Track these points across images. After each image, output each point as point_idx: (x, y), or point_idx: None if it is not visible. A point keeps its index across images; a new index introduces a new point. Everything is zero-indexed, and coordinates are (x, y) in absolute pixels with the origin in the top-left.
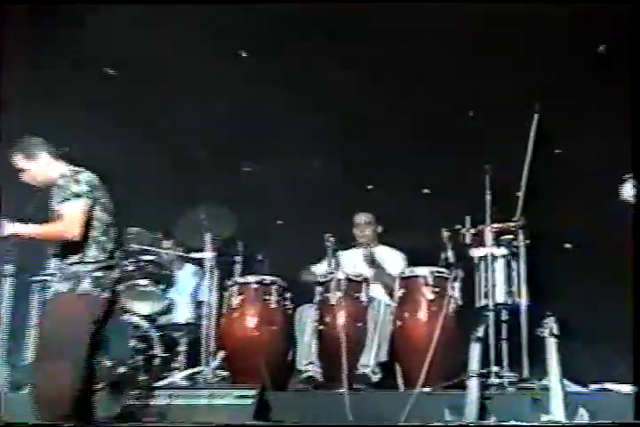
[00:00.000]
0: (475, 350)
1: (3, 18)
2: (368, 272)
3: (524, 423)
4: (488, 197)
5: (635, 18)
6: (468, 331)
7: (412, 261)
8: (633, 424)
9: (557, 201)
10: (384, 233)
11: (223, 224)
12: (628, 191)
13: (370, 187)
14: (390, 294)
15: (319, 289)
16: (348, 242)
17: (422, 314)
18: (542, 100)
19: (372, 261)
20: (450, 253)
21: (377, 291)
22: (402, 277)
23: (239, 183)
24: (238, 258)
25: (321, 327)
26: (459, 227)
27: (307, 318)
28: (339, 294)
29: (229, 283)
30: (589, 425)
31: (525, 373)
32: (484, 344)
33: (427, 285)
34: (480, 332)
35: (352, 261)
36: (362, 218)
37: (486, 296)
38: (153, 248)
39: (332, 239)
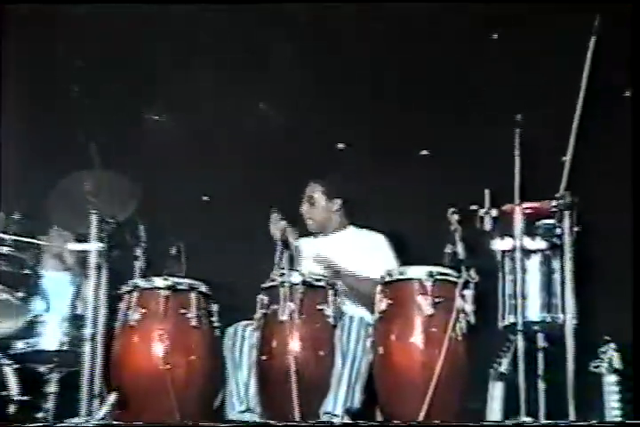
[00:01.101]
0: (496, 392)
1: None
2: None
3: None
4: (518, 163)
5: (635, 18)
6: (486, 363)
7: (403, 258)
8: (633, 424)
9: (619, 171)
10: (358, 215)
11: (118, 200)
12: None
13: (341, 146)
14: (369, 306)
15: (262, 299)
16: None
17: (417, 337)
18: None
19: (328, 267)
20: (459, 246)
21: (350, 302)
22: (386, 282)
23: (144, 138)
24: (140, 251)
25: (264, 358)
26: (474, 207)
27: (242, 342)
28: (291, 306)
29: (126, 289)
30: (590, 425)
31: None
32: (509, 383)
33: (423, 293)
34: (504, 365)
35: (315, 253)
36: (311, 191)
37: (514, 311)
38: (8, 235)
39: (282, 222)
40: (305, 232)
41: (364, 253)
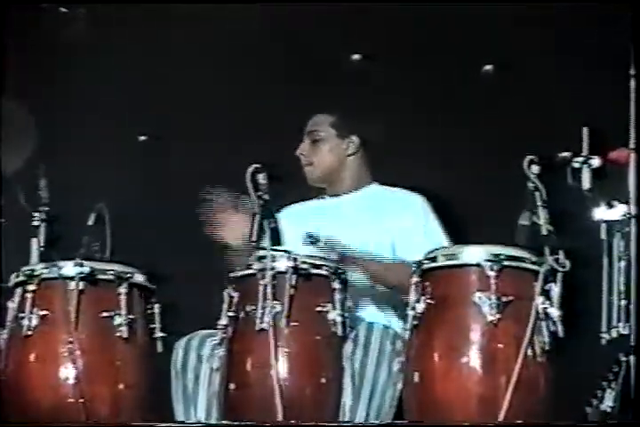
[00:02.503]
0: None
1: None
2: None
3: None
4: (633, 85)
5: (635, 18)
6: (580, 398)
7: (452, 234)
8: (633, 424)
9: None
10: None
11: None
12: None
13: (357, 57)
14: (400, 308)
15: (230, 296)
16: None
17: (472, 357)
18: None
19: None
20: (541, 216)
21: (365, 302)
22: (425, 270)
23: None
24: (39, 220)
25: (232, 387)
26: (564, 154)
27: (198, 364)
28: (276, 306)
29: (16, 280)
30: (589, 425)
31: None
32: (616, 425)
33: (483, 288)
34: (607, 400)
35: (314, 227)
36: (312, 124)
37: (626, 318)
38: None
39: (262, 180)
40: (301, 190)
41: (395, 224)
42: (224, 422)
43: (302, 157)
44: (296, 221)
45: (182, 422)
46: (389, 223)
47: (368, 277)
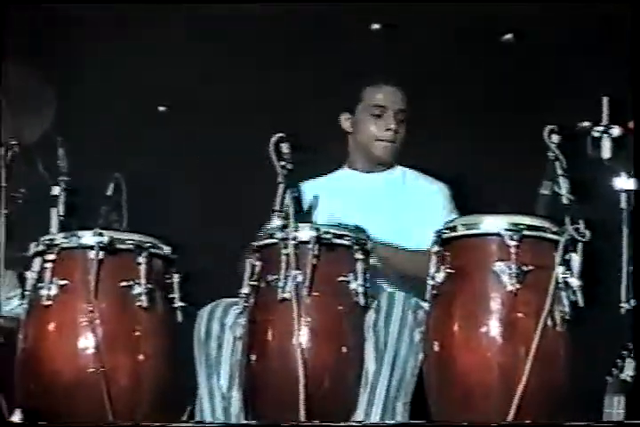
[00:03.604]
0: (615, 410)
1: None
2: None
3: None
4: None
5: (635, 18)
6: (601, 367)
7: (470, 204)
8: (633, 424)
9: None
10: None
11: (26, 110)
12: None
13: (376, 26)
14: (417, 278)
15: (253, 265)
16: (331, 157)
17: (492, 326)
18: None
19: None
20: (562, 185)
21: (387, 271)
22: (445, 239)
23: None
24: (59, 190)
25: (254, 357)
26: (584, 124)
27: (221, 333)
28: (299, 276)
29: (36, 249)
30: (590, 425)
31: None
32: (637, 393)
33: (504, 257)
34: (628, 370)
35: (336, 202)
36: (399, 101)
37: None
38: None
39: (286, 149)
40: (324, 162)
41: (415, 212)
42: (240, 422)
43: (390, 134)
44: (324, 191)
45: (197, 422)
46: (411, 208)
47: (388, 266)
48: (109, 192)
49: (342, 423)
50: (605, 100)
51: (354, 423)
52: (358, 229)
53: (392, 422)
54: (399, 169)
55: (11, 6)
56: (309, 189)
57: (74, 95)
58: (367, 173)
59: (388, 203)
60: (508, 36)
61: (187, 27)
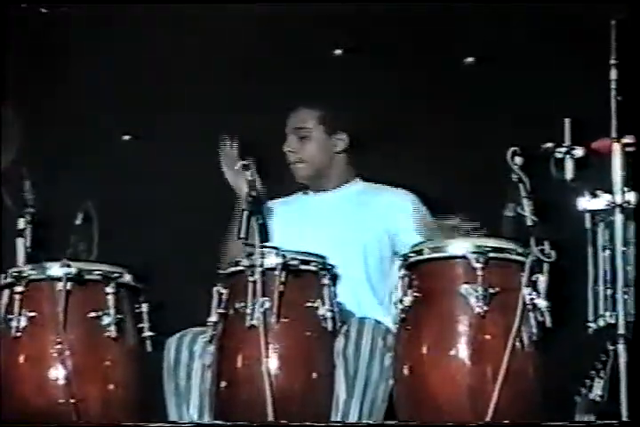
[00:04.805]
0: None
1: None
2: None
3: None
4: (614, 74)
5: (634, 18)
6: (569, 387)
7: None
8: (633, 424)
9: None
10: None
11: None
12: None
13: (338, 51)
14: (385, 302)
15: (220, 293)
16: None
17: (461, 349)
18: None
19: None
20: (526, 207)
21: (356, 295)
22: (411, 263)
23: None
24: (25, 221)
25: (224, 384)
26: (547, 145)
27: (190, 362)
28: (266, 303)
29: (4, 280)
30: (590, 425)
31: None
32: (605, 417)
33: (470, 280)
34: (596, 389)
35: (298, 226)
36: (298, 120)
37: (612, 307)
38: None
39: (248, 171)
40: (285, 187)
41: (382, 222)
42: (216, 422)
43: (290, 154)
44: (281, 217)
45: (174, 422)
46: (374, 221)
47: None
48: (79, 221)
49: (322, 424)
50: (567, 121)
51: (336, 424)
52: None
53: (377, 422)
54: (357, 183)
55: None
56: (270, 211)
57: (39, 124)
58: (321, 191)
59: (345, 218)
60: (470, 59)
61: (148, 56)
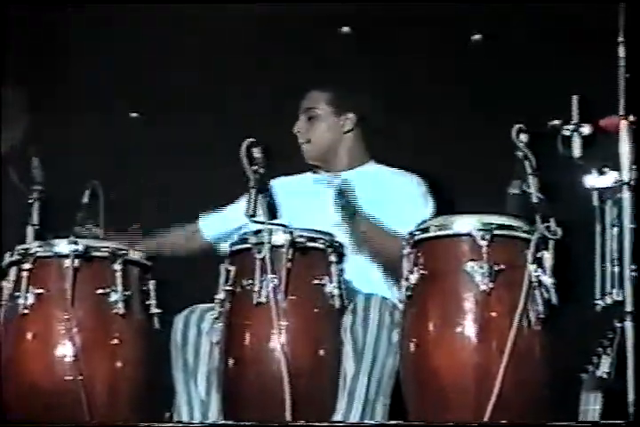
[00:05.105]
0: (591, 407)
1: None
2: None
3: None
4: (622, 51)
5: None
6: (576, 365)
7: (442, 205)
8: (609, 424)
9: None
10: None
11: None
12: None
13: (345, 29)
14: (393, 278)
15: (227, 270)
16: (296, 159)
17: (466, 326)
18: None
19: (345, 204)
20: (531, 184)
21: (362, 272)
22: (417, 241)
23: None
24: (33, 198)
25: (231, 362)
26: (554, 122)
27: (197, 338)
28: (274, 280)
29: (11, 259)
30: (589, 425)
31: None
32: (611, 394)
33: (475, 257)
34: (603, 367)
35: (306, 203)
36: (308, 101)
37: (619, 284)
38: None
39: (257, 154)
40: (296, 166)
41: (391, 205)
42: (224, 422)
43: (299, 135)
44: (288, 194)
45: (180, 422)
46: (385, 203)
47: (366, 240)
48: (85, 199)
49: (325, 423)
50: (575, 98)
51: (337, 423)
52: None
53: (374, 422)
54: (370, 166)
55: None
56: (277, 188)
57: (46, 103)
58: (335, 171)
59: (358, 199)
60: (477, 36)
61: (159, 34)
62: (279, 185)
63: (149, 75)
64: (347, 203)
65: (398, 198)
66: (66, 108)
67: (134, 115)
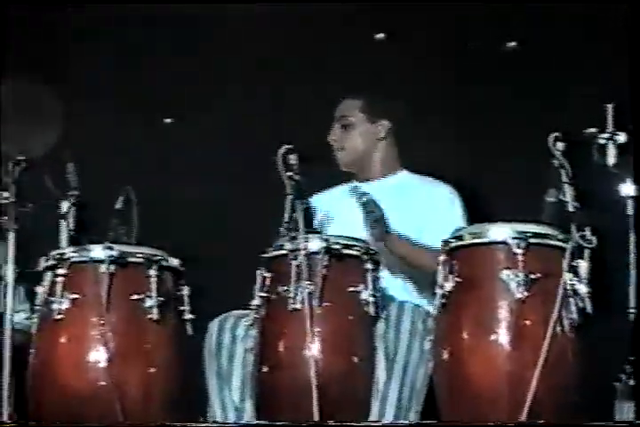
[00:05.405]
0: (625, 414)
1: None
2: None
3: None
4: None
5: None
6: (610, 373)
7: (477, 214)
8: (633, 424)
9: None
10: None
11: (34, 125)
12: None
13: (380, 36)
14: (427, 287)
15: (263, 276)
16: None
17: (501, 334)
18: None
19: (375, 217)
20: (567, 193)
21: (397, 281)
22: (452, 248)
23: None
24: (68, 205)
25: (265, 368)
26: (590, 130)
27: (232, 345)
28: (309, 287)
29: (46, 264)
30: (589, 425)
31: None
32: None
33: (511, 265)
34: (637, 376)
35: (342, 214)
36: (342, 109)
37: None
38: None
39: (293, 161)
40: (331, 173)
41: (423, 215)
42: (257, 422)
43: (333, 143)
44: (327, 205)
45: (216, 422)
46: (417, 213)
47: (399, 256)
48: (119, 205)
49: (354, 423)
50: (610, 106)
51: (370, 423)
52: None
53: (407, 422)
54: (403, 174)
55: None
56: (315, 202)
57: (81, 108)
58: (366, 181)
59: (389, 208)
60: (513, 43)
61: (193, 38)
62: (317, 198)
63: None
64: (374, 219)
65: (429, 208)
66: (100, 108)
67: (168, 120)
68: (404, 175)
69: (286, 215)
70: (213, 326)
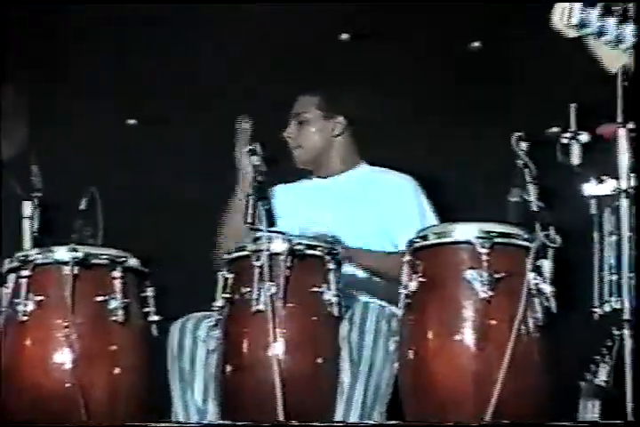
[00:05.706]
0: (590, 412)
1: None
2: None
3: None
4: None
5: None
6: (574, 373)
7: (442, 213)
8: (609, 424)
9: None
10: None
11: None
12: None
13: (345, 36)
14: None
15: (225, 278)
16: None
17: (466, 334)
18: None
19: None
20: (531, 192)
21: (361, 281)
22: (416, 248)
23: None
24: (32, 206)
25: (229, 369)
26: (553, 130)
27: (194, 346)
28: (272, 288)
29: (10, 265)
30: (590, 425)
31: None
32: (610, 402)
33: (475, 265)
34: (602, 375)
35: (304, 208)
36: (298, 106)
37: (618, 293)
38: None
39: (254, 156)
40: (289, 172)
41: (386, 207)
42: (223, 422)
43: (289, 140)
44: (286, 202)
45: (179, 422)
46: (380, 206)
47: (366, 269)
48: (83, 206)
49: (318, 423)
50: (573, 106)
51: (334, 423)
52: (333, 238)
53: (371, 422)
54: (363, 168)
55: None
56: (274, 197)
57: (45, 110)
58: (325, 177)
59: (351, 202)
60: (476, 44)
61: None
62: (277, 192)
63: (149, 75)
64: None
65: (392, 199)
66: (66, 110)
67: (131, 121)
68: (364, 169)
69: (249, 216)
70: (175, 328)
